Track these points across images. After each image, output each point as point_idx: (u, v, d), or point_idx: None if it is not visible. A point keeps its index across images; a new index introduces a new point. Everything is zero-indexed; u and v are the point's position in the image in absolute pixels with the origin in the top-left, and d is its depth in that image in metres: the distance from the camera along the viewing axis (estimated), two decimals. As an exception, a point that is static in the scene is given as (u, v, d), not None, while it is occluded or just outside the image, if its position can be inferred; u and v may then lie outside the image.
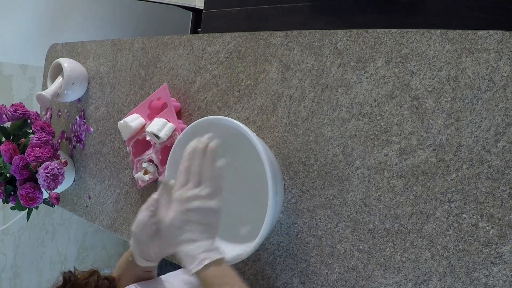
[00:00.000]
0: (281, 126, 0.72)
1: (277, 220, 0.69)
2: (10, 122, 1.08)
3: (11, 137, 1.08)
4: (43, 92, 1.04)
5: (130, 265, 0.64)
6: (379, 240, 0.59)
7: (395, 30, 0.61)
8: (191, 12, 2.06)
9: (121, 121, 0.90)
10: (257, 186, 0.67)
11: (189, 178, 0.54)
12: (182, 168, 0.54)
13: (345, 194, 0.63)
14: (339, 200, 0.64)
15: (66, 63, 1.07)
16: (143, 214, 0.59)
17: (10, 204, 1.08)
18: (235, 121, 0.61)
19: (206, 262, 0.49)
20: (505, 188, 0.51)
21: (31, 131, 1.07)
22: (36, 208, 1.08)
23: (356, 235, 0.62)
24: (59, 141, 1.19)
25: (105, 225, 1.03)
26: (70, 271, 0.59)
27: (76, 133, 1.15)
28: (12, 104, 1.08)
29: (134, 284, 0.62)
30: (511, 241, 0.50)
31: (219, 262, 0.50)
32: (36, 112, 1.12)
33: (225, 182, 0.55)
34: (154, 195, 0.59)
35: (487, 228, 0.52)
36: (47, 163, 0.98)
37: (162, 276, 0.70)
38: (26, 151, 1.00)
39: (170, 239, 0.53)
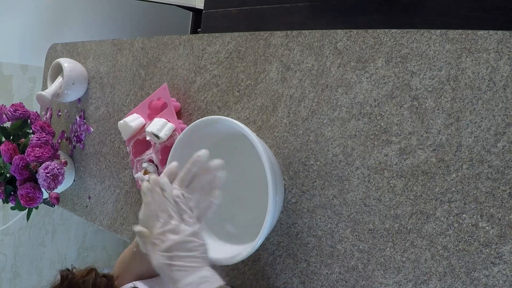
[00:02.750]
0: (281, 126, 0.72)
1: (277, 220, 0.69)
2: (10, 122, 1.08)
3: (11, 137, 1.08)
4: (43, 92, 1.04)
5: (135, 258, 0.64)
6: (379, 240, 0.59)
7: (395, 30, 0.61)
8: (191, 12, 2.07)
9: (121, 121, 0.90)
10: (257, 186, 0.67)
11: (157, 218, 0.53)
12: (146, 212, 0.54)
13: (345, 194, 0.63)
14: (339, 200, 0.64)
15: (66, 63, 1.07)
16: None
17: (10, 204, 1.08)
18: (235, 121, 0.61)
19: None
20: (505, 188, 0.51)
21: (31, 131, 1.07)
22: (36, 208, 1.08)
23: (356, 235, 0.62)
24: (59, 141, 1.19)
25: (105, 225, 1.03)
26: (67, 269, 0.59)
27: (76, 133, 1.15)
28: (12, 104, 1.08)
29: (133, 282, 0.62)
30: (511, 241, 0.50)
31: None
32: (36, 112, 1.13)
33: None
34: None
35: (487, 228, 0.52)
36: (47, 163, 0.98)
37: None
38: (26, 151, 1.00)
39: (166, 280, 0.52)
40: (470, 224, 0.53)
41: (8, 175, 1.05)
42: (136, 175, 0.89)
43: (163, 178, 0.55)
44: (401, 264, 0.57)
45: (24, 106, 1.09)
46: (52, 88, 1.07)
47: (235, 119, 0.63)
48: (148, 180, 0.56)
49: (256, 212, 0.65)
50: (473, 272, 0.52)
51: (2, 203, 1.08)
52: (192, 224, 0.52)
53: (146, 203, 0.54)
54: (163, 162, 0.84)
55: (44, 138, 1.01)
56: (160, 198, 0.53)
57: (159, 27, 1.98)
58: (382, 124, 0.61)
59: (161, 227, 0.51)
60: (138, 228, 0.54)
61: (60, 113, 1.22)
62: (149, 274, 0.67)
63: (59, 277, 0.57)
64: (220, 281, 0.50)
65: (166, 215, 0.52)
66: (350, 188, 0.63)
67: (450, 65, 0.56)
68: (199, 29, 1.51)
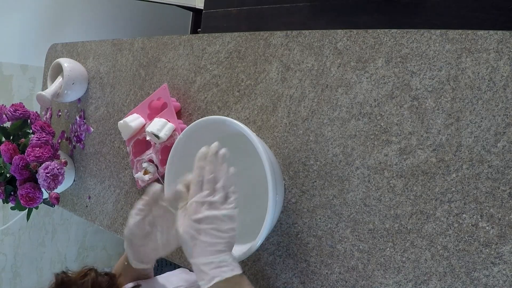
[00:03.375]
0: (281, 126, 0.72)
1: (277, 220, 0.69)
2: (10, 122, 1.08)
3: (11, 137, 1.08)
4: (43, 92, 1.04)
5: (127, 268, 0.64)
6: (379, 240, 0.59)
7: (395, 30, 0.61)
8: (191, 12, 2.07)
9: (121, 121, 0.90)
10: (257, 186, 0.67)
11: (202, 186, 0.51)
12: (195, 176, 0.52)
13: (345, 194, 0.63)
14: (339, 200, 0.64)
15: (66, 63, 1.07)
16: (134, 218, 0.58)
17: (10, 204, 1.08)
18: (235, 121, 0.61)
19: (216, 280, 0.47)
20: (505, 188, 0.51)
21: (31, 131, 1.07)
22: (36, 208, 1.08)
23: (356, 235, 0.62)
24: (59, 141, 1.19)
25: (105, 225, 1.03)
26: (63, 272, 0.57)
27: (76, 133, 1.15)
28: (12, 104, 1.08)
29: (131, 282, 0.62)
30: (511, 241, 0.50)
31: (231, 278, 0.48)
32: (36, 112, 1.12)
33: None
34: (142, 201, 0.58)
35: (487, 228, 0.52)
36: (47, 163, 0.98)
37: (158, 276, 0.70)
38: (26, 151, 1.00)
39: (185, 249, 0.51)
40: (470, 224, 0.53)
41: (8, 175, 1.05)
42: (136, 175, 0.89)
43: (219, 152, 0.53)
44: (401, 264, 0.57)
45: (24, 106, 1.09)
46: (52, 88, 1.07)
47: (235, 119, 0.63)
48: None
49: (256, 212, 0.65)
50: (473, 272, 0.52)
51: (2, 203, 1.08)
52: (232, 208, 0.51)
53: (199, 168, 0.52)
54: (163, 162, 0.84)
55: (44, 138, 1.01)
56: (215, 168, 0.52)
57: (159, 27, 1.98)
58: (382, 124, 0.61)
59: (202, 197, 0.50)
60: (180, 186, 0.52)
61: (60, 113, 1.22)
62: (142, 279, 0.67)
63: (54, 280, 0.56)
64: (239, 269, 0.49)
65: (211, 187, 0.51)
66: (350, 188, 0.63)
67: (450, 65, 0.56)
68: (199, 29, 1.51)
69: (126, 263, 0.63)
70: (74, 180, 1.15)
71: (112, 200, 1.02)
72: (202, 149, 0.54)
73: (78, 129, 1.14)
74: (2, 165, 1.04)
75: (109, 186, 1.03)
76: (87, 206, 1.10)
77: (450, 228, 0.54)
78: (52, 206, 1.10)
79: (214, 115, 0.76)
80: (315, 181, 0.67)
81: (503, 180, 0.51)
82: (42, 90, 1.16)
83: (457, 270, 0.53)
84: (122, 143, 1.00)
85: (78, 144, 1.14)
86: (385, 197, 0.60)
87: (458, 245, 0.53)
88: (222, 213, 0.50)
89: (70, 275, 0.57)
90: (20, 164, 0.99)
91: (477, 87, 0.54)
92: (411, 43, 0.59)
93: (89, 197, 1.09)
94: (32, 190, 1.01)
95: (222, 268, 0.48)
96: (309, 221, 0.66)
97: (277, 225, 0.70)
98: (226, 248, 0.49)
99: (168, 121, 0.84)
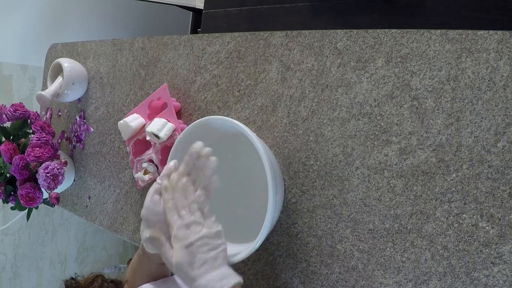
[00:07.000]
0: (281, 126, 0.72)
1: (277, 220, 0.69)
2: (10, 122, 1.08)
3: (11, 137, 1.08)
4: (43, 92, 1.04)
5: (143, 261, 0.63)
6: (379, 240, 0.59)
7: (395, 30, 0.61)
8: (191, 12, 2.07)
9: (121, 121, 0.90)
10: (257, 186, 0.67)
11: (179, 212, 0.52)
12: (169, 206, 0.53)
13: (345, 194, 0.63)
14: (339, 200, 0.64)
15: (66, 63, 1.07)
16: (150, 196, 0.57)
17: (10, 204, 1.08)
18: (235, 121, 0.61)
19: None
20: (505, 188, 0.51)
21: (31, 131, 1.07)
22: (36, 208, 1.08)
23: (356, 235, 0.62)
24: (59, 141, 1.19)
25: (105, 225, 1.03)
26: (72, 278, 0.58)
27: (76, 133, 1.15)
28: (12, 104, 1.08)
29: (147, 284, 0.62)
30: (511, 241, 0.50)
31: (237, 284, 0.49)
32: (36, 112, 1.12)
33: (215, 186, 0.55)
34: (159, 180, 0.57)
35: (487, 228, 0.52)
36: (47, 163, 0.98)
37: (174, 276, 0.70)
38: (26, 151, 1.00)
39: (184, 278, 0.51)
40: (470, 224, 0.53)
41: (8, 175, 1.05)
42: (136, 175, 0.89)
43: (182, 179, 0.54)
44: (401, 264, 0.57)
45: (24, 106, 1.09)
46: (52, 88, 1.07)
47: (235, 119, 0.63)
48: (161, 180, 0.55)
49: (256, 212, 0.65)
50: (473, 272, 0.52)
51: (2, 203, 1.08)
52: (216, 224, 0.52)
53: (166, 200, 0.54)
54: (163, 162, 0.84)
55: (44, 138, 1.01)
56: (182, 195, 0.53)
57: (159, 27, 1.98)
58: (382, 124, 0.61)
59: (185, 220, 0.51)
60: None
61: (60, 113, 1.22)
62: (158, 274, 0.65)
63: (63, 286, 0.57)
64: (238, 278, 0.50)
65: (188, 211, 0.52)
66: (350, 188, 0.63)
67: (450, 65, 0.56)
68: (199, 29, 1.51)
69: (141, 252, 0.61)
70: (74, 180, 1.15)
71: (112, 200, 1.02)
72: (164, 183, 0.55)
73: (78, 129, 1.14)
74: (2, 165, 1.04)
75: (109, 186, 1.03)
76: (87, 206, 1.10)
77: (450, 228, 0.54)
78: (52, 206, 1.10)
79: (214, 115, 0.76)
80: (315, 181, 0.67)
81: (503, 180, 0.51)
82: (42, 90, 1.16)
83: (457, 270, 0.53)
84: (122, 143, 1.00)
85: (78, 144, 1.14)
86: (385, 197, 0.60)
87: (458, 245, 0.53)
88: (210, 230, 0.51)
89: (79, 281, 0.58)
90: (20, 164, 0.99)
91: (477, 87, 0.54)
92: (411, 43, 0.59)
93: (89, 197, 1.09)
94: (32, 190, 1.01)
95: (224, 280, 0.49)
96: (309, 221, 0.66)
97: (277, 225, 0.70)
98: (223, 261, 0.51)
99: (168, 121, 0.84)
